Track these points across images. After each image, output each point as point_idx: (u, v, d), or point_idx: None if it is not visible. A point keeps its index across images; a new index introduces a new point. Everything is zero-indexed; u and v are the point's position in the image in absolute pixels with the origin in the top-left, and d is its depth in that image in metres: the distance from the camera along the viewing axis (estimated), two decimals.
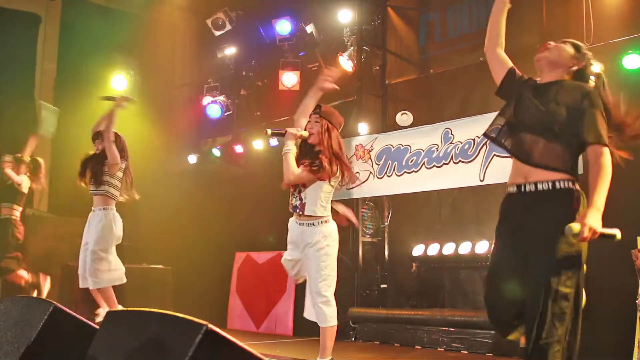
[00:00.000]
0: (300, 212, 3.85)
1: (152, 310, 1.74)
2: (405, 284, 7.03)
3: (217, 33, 8.63)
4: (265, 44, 8.52)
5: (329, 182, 3.85)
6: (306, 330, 5.86)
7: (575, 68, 2.74)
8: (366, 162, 6.76)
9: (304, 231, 3.86)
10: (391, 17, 7.71)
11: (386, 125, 7.28)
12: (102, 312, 4.85)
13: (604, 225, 2.44)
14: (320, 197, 3.84)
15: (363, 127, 7.17)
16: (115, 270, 4.99)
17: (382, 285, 7.18)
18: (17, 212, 6.57)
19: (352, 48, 7.46)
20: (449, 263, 6.57)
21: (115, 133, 5.19)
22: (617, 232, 2.44)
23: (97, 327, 2.09)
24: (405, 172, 6.41)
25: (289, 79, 7.96)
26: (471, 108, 6.51)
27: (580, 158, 2.79)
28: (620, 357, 4.43)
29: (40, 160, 6.73)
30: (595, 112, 2.56)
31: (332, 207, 3.96)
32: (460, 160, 5.95)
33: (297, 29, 8.01)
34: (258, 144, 8.34)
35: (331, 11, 7.76)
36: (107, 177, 5.08)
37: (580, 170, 2.92)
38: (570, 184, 2.57)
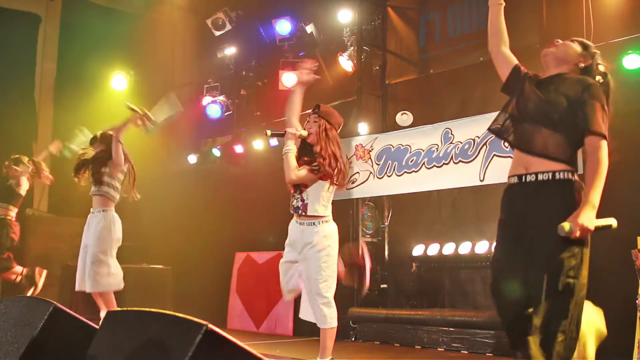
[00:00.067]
0: (303, 213, 3.83)
1: (152, 310, 1.74)
2: (405, 284, 7.03)
3: (217, 33, 8.63)
4: (265, 44, 8.52)
5: (330, 182, 3.84)
6: (306, 330, 5.86)
7: (581, 65, 2.77)
8: (366, 162, 6.76)
9: (303, 230, 3.84)
10: (391, 17, 7.71)
11: (386, 125, 7.28)
12: (103, 314, 4.83)
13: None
14: (322, 196, 3.83)
15: (363, 127, 7.17)
16: (115, 275, 4.94)
17: (382, 285, 7.17)
18: (13, 212, 6.51)
19: (352, 48, 7.46)
20: (449, 263, 6.57)
21: (112, 136, 5.16)
22: (612, 222, 2.48)
23: (97, 327, 2.09)
24: (405, 172, 6.40)
25: (289, 79, 7.95)
26: (471, 108, 6.51)
27: (580, 158, 2.80)
28: (620, 357, 4.43)
29: (38, 160, 6.68)
30: (596, 103, 2.57)
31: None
32: (460, 160, 5.95)
33: (297, 29, 8.01)
34: (258, 144, 8.34)
35: (331, 11, 7.76)
36: (107, 178, 5.07)
37: (580, 170, 2.92)
38: (570, 175, 2.59)
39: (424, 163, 6.25)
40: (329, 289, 3.79)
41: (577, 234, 2.40)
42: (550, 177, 2.58)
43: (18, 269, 6.56)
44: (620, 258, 4.30)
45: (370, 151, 6.75)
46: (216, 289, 8.13)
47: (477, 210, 6.58)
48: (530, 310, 2.52)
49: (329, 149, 3.83)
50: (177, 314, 1.63)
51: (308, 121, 3.98)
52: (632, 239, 4.23)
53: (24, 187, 6.53)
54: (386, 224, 7.28)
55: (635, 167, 4.85)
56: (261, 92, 8.85)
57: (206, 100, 8.83)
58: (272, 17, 8.13)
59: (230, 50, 8.83)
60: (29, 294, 6.42)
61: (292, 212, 3.95)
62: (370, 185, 6.71)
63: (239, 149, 8.63)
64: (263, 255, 7.74)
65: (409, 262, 6.88)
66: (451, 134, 6.09)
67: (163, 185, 8.44)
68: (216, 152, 8.85)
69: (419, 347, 5.97)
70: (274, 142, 7.88)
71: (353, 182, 6.80)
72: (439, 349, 5.82)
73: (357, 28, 7.44)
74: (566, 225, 2.39)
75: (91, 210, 5.13)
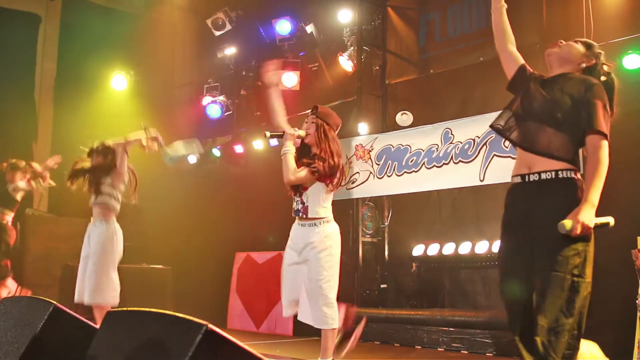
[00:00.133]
0: (304, 215, 3.82)
1: (152, 310, 1.74)
2: (405, 284, 7.03)
3: (217, 33, 8.63)
4: (265, 44, 8.53)
5: (329, 183, 3.82)
6: (306, 330, 5.82)
7: (584, 65, 2.79)
8: (366, 162, 6.76)
9: (305, 231, 3.82)
10: (391, 17, 7.71)
11: (386, 125, 7.28)
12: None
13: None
14: (322, 198, 3.81)
15: (363, 127, 7.17)
16: (114, 290, 4.88)
17: (382, 285, 7.18)
18: (9, 217, 6.43)
19: (352, 48, 7.47)
20: (449, 263, 6.57)
21: (110, 147, 5.13)
22: (610, 220, 2.50)
23: (97, 327, 2.08)
24: (405, 172, 6.40)
25: (289, 79, 7.96)
26: (471, 108, 6.52)
27: (581, 158, 2.80)
28: (620, 357, 4.43)
29: (35, 164, 6.57)
30: (598, 103, 2.59)
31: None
32: (460, 160, 5.95)
33: (297, 29, 8.02)
34: (258, 144, 8.34)
35: (331, 11, 7.76)
36: (108, 188, 4.99)
37: (581, 170, 2.92)
38: (572, 174, 2.61)
39: (424, 163, 6.25)
40: (332, 290, 3.75)
41: (578, 231, 2.41)
42: (553, 176, 2.60)
43: (12, 285, 6.44)
44: (620, 258, 4.30)
45: (370, 151, 6.75)
46: (216, 289, 8.13)
47: (477, 210, 6.58)
48: (535, 309, 2.52)
49: (328, 150, 3.81)
50: (177, 314, 1.63)
51: (306, 122, 3.96)
52: (632, 239, 4.23)
53: (20, 192, 6.41)
54: (386, 224, 7.28)
55: (635, 167, 4.85)
56: (261, 92, 8.82)
57: (206, 100, 8.84)
58: (272, 17, 8.13)
59: (230, 50, 8.84)
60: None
61: (293, 215, 3.93)
62: (370, 185, 6.71)
63: (239, 149, 8.63)
64: (263, 255, 7.74)
65: (409, 262, 6.88)
66: (451, 134, 6.09)
67: (163, 185, 8.44)
68: (216, 152, 8.85)
69: (419, 347, 5.97)
70: (274, 142, 7.87)
71: (353, 182, 6.80)
72: (439, 349, 5.82)
73: (357, 28, 7.44)
74: (567, 223, 2.42)
75: (92, 220, 5.04)
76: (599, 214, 2.51)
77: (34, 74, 8.77)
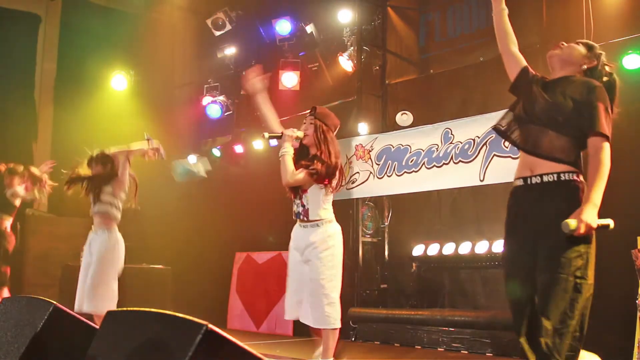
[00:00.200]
0: (305, 218, 3.81)
1: (152, 310, 1.74)
2: (405, 284, 7.03)
3: (217, 33, 8.63)
4: (265, 44, 8.53)
5: (327, 185, 3.80)
6: (306, 330, 5.82)
7: (586, 67, 2.80)
8: (366, 162, 6.76)
9: (307, 232, 3.81)
10: (391, 17, 7.71)
11: (386, 125, 7.28)
12: None
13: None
14: (322, 199, 3.80)
15: (363, 127, 7.17)
16: (110, 300, 4.87)
17: (382, 285, 7.18)
18: (7, 222, 6.37)
19: (352, 48, 7.47)
20: (449, 263, 6.57)
21: (110, 156, 5.11)
22: (610, 222, 2.51)
23: (97, 327, 2.08)
24: (405, 172, 6.40)
25: (289, 79, 7.96)
26: (471, 108, 6.51)
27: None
28: (620, 357, 4.43)
29: (34, 169, 6.49)
30: (600, 105, 2.60)
31: None
32: (460, 160, 5.95)
33: (297, 29, 8.02)
34: (258, 144, 8.34)
35: (331, 11, 7.76)
36: (109, 197, 4.96)
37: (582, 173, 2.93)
38: (574, 176, 2.62)
39: (424, 163, 6.25)
40: (334, 289, 3.74)
41: (582, 230, 2.43)
42: (555, 179, 2.61)
43: (5, 294, 6.37)
44: (620, 258, 4.30)
45: (370, 151, 6.75)
46: (216, 289, 8.13)
47: (477, 210, 6.58)
48: (539, 310, 2.53)
49: (326, 152, 3.79)
50: (177, 314, 1.63)
51: (304, 123, 3.95)
52: (632, 239, 4.24)
53: (19, 198, 6.29)
54: (386, 224, 7.28)
55: (635, 167, 4.85)
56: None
57: (206, 100, 8.84)
58: (272, 17, 8.13)
59: (230, 50, 8.84)
60: None
61: (294, 217, 3.91)
62: (370, 185, 6.71)
63: (239, 149, 8.63)
64: (263, 255, 7.74)
65: (409, 262, 6.88)
66: (451, 134, 6.09)
67: (163, 185, 8.45)
68: (216, 152, 8.85)
69: (419, 347, 5.97)
70: (273, 142, 7.86)
71: (353, 182, 6.80)
72: (439, 349, 5.82)
73: (357, 28, 7.44)
74: (571, 223, 2.42)
75: (93, 229, 5.01)
76: (599, 214, 2.51)
77: (34, 74, 8.77)
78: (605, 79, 2.78)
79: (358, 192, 6.82)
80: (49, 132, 8.75)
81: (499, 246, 5.95)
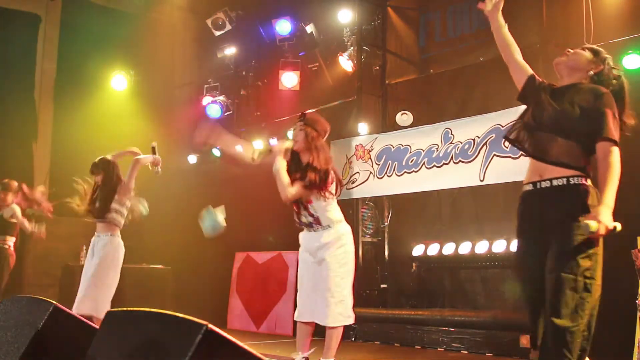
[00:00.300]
0: (317, 226, 3.85)
1: (152, 310, 1.74)
2: (405, 284, 7.03)
3: (217, 33, 8.63)
4: (265, 44, 8.53)
5: (325, 192, 3.80)
6: None
7: (592, 73, 2.82)
8: (366, 162, 6.76)
9: (319, 234, 3.84)
10: (391, 17, 7.71)
11: (386, 125, 7.28)
12: None
13: None
14: (328, 204, 3.84)
15: (363, 127, 7.17)
16: (106, 304, 4.88)
17: (382, 285, 7.18)
18: (10, 242, 6.34)
19: (352, 48, 7.47)
20: (449, 263, 6.57)
21: (112, 162, 5.11)
22: (617, 225, 2.54)
23: (97, 327, 2.08)
24: (405, 172, 6.41)
25: (289, 79, 7.96)
26: (471, 108, 6.51)
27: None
28: (620, 357, 4.44)
29: (28, 190, 6.41)
30: (607, 111, 2.64)
31: None
32: (460, 160, 5.95)
33: (297, 29, 8.02)
34: (258, 144, 8.33)
35: (331, 11, 7.76)
36: (116, 204, 5.00)
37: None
38: (583, 180, 2.66)
39: (424, 163, 6.25)
40: (346, 287, 3.79)
41: (602, 231, 2.46)
42: (564, 183, 2.65)
43: None
44: (620, 258, 4.30)
45: (370, 151, 6.75)
46: (216, 289, 8.13)
47: (477, 210, 6.58)
48: (550, 310, 2.56)
49: (317, 158, 3.80)
50: (177, 314, 1.63)
51: (294, 129, 3.96)
52: (632, 239, 4.24)
53: (16, 213, 6.27)
54: (386, 224, 7.28)
55: (635, 167, 4.85)
56: (261, 92, 8.85)
57: (206, 100, 8.84)
58: (272, 17, 8.13)
59: (230, 50, 8.84)
60: None
61: (303, 227, 3.93)
62: (370, 185, 6.71)
63: (239, 148, 8.62)
64: (263, 255, 7.74)
65: (409, 262, 6.88)
66: (451, 134, 6.09)
67: (163, 185, 8.44)
68: (216, 152, 8.85)
69: (419, 347, 5.97)
70: (273, 142, 7.87)
71: (353, 182, 6.80)
72: (439, 349, 5.82)
73: (357, 28, 7.44)
74: (592, 225, 2.45)
75: (96, 233, 5.05)
76: None
77: (34, 74, 8.76)
78: (614, 81, 2.81)
79: (358, 192, 6.82)
80: (49, 132, 8.74)
81: (499, 246, 5.95)
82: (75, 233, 7.43)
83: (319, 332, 3.93)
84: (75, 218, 6.52)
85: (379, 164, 6.64)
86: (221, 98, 8.80)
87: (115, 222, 4.99)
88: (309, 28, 7.94)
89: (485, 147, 5.75)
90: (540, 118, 2.76)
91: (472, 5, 7.21)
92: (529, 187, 2.77)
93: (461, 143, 5.97)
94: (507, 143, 5.24)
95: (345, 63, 7.48)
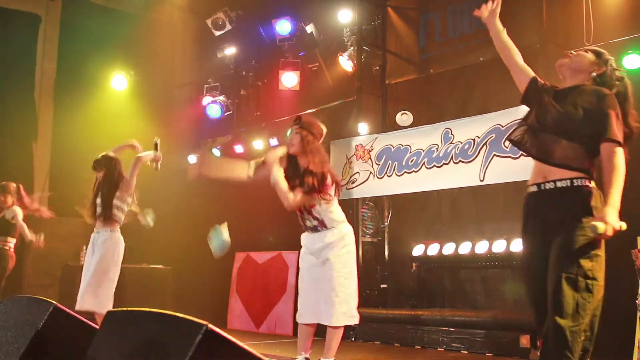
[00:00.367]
0: (322, 228, 3.87)
1: (152, 310, 1.74)
2: (405, 284, 7.03)
3: (217, 33, 8.63)
4: (265, 44, 8.53)
5: (324, 195, 3.81)
6: None
7: (595, 74, 2.83)
8: (366, 162, 6.76)
9: (321, 235, 3.86)
10: (391, 17, 7.71)
11: (386, 125, 7.28)
12: None
13: None
14: (330, 205, 3.86)
15: (363, 127, 7.17)
16: (108, 300, 4.89)
17: (382, 285, 7.18)
18: (11, 243, 6.32)
19: (352, 48, 7.47)
20: (449, 263, 6.57)
21: (114, 158, 5.12)
22: (623, 224, 2.54)
23: (97, 327, 2.08)
24: (405, 172, 6.41)
25: (289, 79, 7.96)
26: (471, 108, 6.51)
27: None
28: (620, 357, 4.44)
29: (25, 195, 6.31)
30: (611, 112, 2.64)
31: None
32: (460, 160, 5.95)
33: (297, 29, 8.02)
34: (258, 144, 8.33)
35: (331, 11, 7.76)
36: (117, 201, 5.02)
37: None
38: (587, 182, 2.67)
39: (424, 163, 6.25)
40: (350, 286, 3.81)
41: (609, 233, 2.47)
42: (568, 184, 2.66)
43: None
44: (620, 258, 4.30)
45: (370, 151, 6.75)
46: (216, 289, 8.12)
47: (477, 210, 6.58)
48: (553, 310, 2.56)
49: (313, 162, 3.80)
50: (177, 314, 1.63)
51: (290, 132, 3.97)
52: (632, 239, 4.24)
53: (17, 216, 6.20)
54: (386, 224, 7.28)
55: (635, 167, 4.84)
56: (261, 92, 8.85)
57: (206, 100, 8.84)
58: (272, 17, 8.13)
59: (230, 50, 8.84)
60: None
61: (307, 231, 3.94)
62: (370, 185, 6.71)
63: (239, 149, 8.63)
64: (263, 255, 7.74)
65: (409, 262, 6.88)
66: (451, 134, 6.09)
67: (163, 185, 8.44)
68: (216, 152, 8.85)
69: (419, 347, 5.97)
70: (274, 142, 7.88)
71: (353, 182, 6.80)
72: (439, 349, 5.82)
73: (357, 28, 7.44)
74: (600, 226, 2.45)
75: (95, 229, 5.06)
76: None
77: (34, 74, 8.76)
78: (617, 83, 2.81)
79: (358, 192, 6.82)
80: (49, 132, 8.74)
81: (499, 246, 5.95)
82: (75, 233, 7.43)
83: (319, 332, 3.93)
84: (75, 218, 6.53)
85: (379, 164, 6.64)
86: (221, 98, 8.80)
87: (115, 218, 5.00)
88: (309, 28, 7.93)
89: (485, 147, 5.75)
90: (544, 120, 2.76)
91: (472, 5, 7.21)
92: (533, 188, 2.78)
93: (461, 143, 5.97)
94: (507, 143, 5.27)
95: (345, 63, 7.48)
